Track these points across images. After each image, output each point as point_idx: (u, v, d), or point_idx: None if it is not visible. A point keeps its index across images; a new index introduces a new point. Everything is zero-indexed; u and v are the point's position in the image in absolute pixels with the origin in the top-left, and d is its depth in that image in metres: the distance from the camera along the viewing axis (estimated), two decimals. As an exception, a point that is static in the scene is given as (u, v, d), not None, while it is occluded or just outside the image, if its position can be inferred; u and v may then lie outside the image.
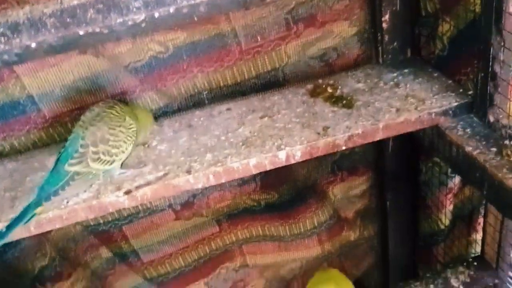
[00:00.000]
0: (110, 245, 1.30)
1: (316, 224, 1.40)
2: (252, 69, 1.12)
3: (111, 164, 0.85)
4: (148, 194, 0.87)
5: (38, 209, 0.82)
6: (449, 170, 1.10)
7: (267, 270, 1.52)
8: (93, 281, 1.36)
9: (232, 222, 1.38)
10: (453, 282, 1.02)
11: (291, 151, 0.91)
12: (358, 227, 1.48)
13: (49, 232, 1.22)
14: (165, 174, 0.88)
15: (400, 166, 1.30)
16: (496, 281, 1.03)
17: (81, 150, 0.84)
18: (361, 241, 1.50)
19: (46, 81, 1.01)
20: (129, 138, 0.87)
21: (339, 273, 1.09)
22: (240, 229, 1.40)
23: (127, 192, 0.86)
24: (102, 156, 0.84)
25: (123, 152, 0.87)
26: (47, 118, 1.05)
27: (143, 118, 0.92)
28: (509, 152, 0.83)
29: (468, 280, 1.02)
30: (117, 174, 0.88)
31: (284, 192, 1.34)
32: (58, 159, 0.85)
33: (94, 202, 0.86)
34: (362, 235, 1.50)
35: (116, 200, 0.86)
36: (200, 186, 0.89)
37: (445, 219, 1.20)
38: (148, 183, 0.87)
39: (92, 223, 1.23)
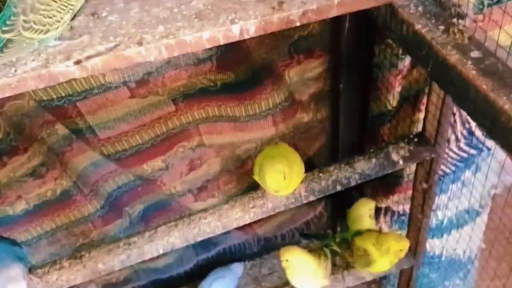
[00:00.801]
0: (65, 121, 1.30)
1: (271, 106, 1.44)
2: None
3: (45, 33, 0.83)
4: (98, 64, 0.85)
5: None
6: (400, 51, 1.12)
7: (223, 150, 1.58)
8: (50, 156, 1.38)
9: (188, 102, 1.39)
10: (394, 156, 1.09)
11: (245, 26, 0.89)
12: (312, 110, 1.53)
13: (2, 106, 1.21)
14: (116, 45, 0.86)
15: (355, 49, 1.31)
16: (433, 155, 1.11)
17: (13, 18, 0.81)
18: (314, 123, 1.56)
19: None
20: (63, 7, 0.84)
21: (289, 148, 1.14)
22: (196, 109, 1.42)
23: (77, 62, 0.84)
24: (34, 25, 0.81)
25: (58, 21, 0.84)
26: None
27: None
28: (455, 30, 0.85)
29: (407, 154, 1.09)
30: (57, 43, 0.86)
31: (240, 73, 1.35)
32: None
33: (43, 71, 0.84)
34: (315, 117, 1.55)
35: (66, 70, 0.84)
36: (152, 58, 0.88)
37: (393, 100, 1.25)
38: (98, 54, 0.85)
39: (45, 98, 1.22)
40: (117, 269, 1.08)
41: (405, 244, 1.26)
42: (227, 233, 1.88)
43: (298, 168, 1.09)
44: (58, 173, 1.43)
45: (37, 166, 1.38)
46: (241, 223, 1.12)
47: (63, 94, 1.22)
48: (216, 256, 1.99)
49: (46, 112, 1.27)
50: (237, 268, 1.93)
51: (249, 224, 1.88)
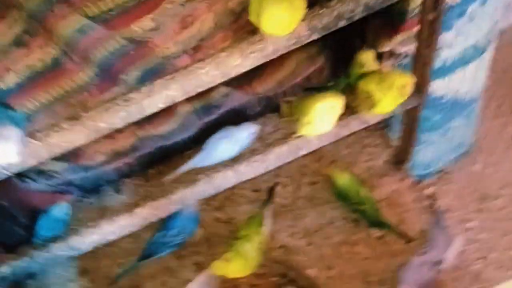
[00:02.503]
0: (40, -20, 1.20)
1: None
2: None
3: None
4: None
5: None
6: None
7: (215, 3, 1.48)
8: (31, 23, 1.30)
9: None
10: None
11: None
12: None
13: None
14: None
15: None
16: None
17: None
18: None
19: None
20: None
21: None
22: (180, -45, 1.30)
23: None
24: None
25: None
26: None
27: None
28: None
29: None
30: None
31: None
32: None
33: None
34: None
35: None
36: None
37: None
38: None
39: (12, -47, 1.11)
40: (119, 126, 1.06)
41: (408, 79, 1.21)
42: (228, 95, 1.87)
43: (299, 3, 1.01)
44: (44, 40, 1.36)
45: (20, 34, 1.31)
46: (241, 70, 1.07)
47: None
48: (220, 118, 1.98)
49: (17, -27, 1.17)
50: (247, 129, 1.89)
51: (249, 84, 1.85)
